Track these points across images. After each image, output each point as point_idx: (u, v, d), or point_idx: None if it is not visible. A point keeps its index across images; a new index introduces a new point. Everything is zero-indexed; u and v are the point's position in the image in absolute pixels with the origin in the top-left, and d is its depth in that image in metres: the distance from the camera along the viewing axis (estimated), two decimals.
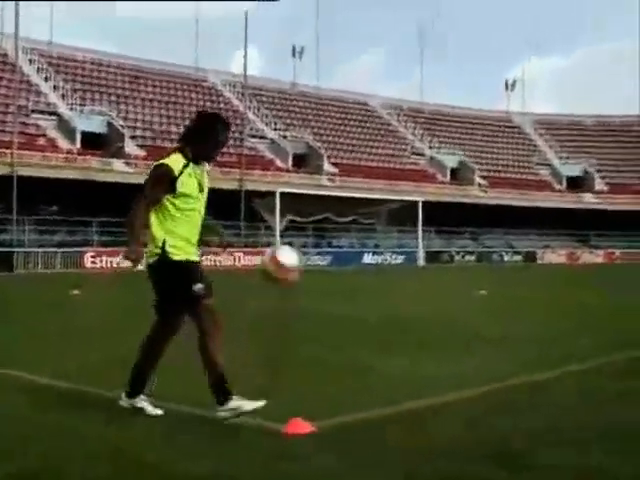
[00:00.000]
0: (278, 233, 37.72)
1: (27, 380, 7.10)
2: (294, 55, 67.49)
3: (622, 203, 65.94)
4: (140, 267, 5.65)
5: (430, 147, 65.04)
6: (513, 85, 78.74)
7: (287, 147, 53.40)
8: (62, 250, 37.46)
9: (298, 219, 39.49)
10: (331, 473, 4.35)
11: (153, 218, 5.47)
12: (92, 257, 37.92)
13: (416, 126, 67.43)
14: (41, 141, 44.32)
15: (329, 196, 42.11)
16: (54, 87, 49.31)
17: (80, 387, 6.70)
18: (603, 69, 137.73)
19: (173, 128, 51.57)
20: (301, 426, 5.20)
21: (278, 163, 52.50)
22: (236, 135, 51.32)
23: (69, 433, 5.20)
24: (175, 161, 5.48)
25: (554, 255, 60.68)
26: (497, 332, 11.11)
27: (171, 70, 58.84)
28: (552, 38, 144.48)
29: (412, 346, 9.67)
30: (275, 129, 56.69)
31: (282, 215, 38.09)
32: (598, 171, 70.42)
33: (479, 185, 62.20)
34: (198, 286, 5.41)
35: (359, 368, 7.88)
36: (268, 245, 40.41)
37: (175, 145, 5.74)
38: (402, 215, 43.24)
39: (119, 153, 45.27)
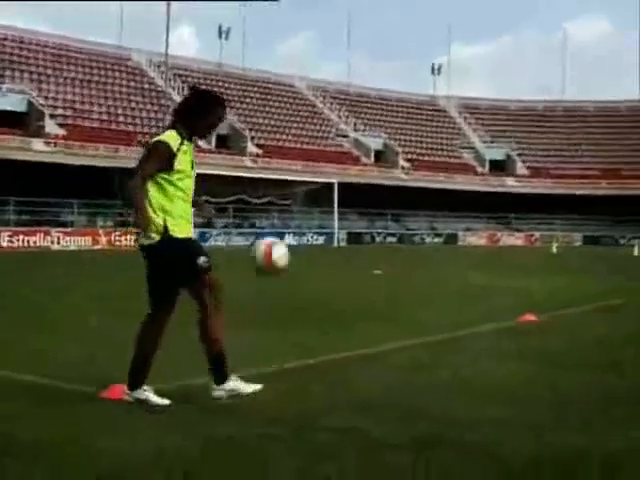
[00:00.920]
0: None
1: None
2: (220, 36, 67.49)
3: (542, 187, 67.42)
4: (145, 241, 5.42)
5: (355, 129, 65.59)
6: (439, 69, 79.59)
7: None
8: None
9: (212, 200, 39.48)
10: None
11: (148, 200, 5.33)
12: (9, 236, 37.68)
13: (341, 108, 67.92)
14: None
15: (244, 177, 42.31)
16: None
17: None
18: (528, 55, 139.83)
19: (95, 107, 51.38)
20: (118, 391, 5.58)
21: (201, 143, 52.52)
22: (159, 115, 51.32)
23: None
24: (172, 137, 5.42)
25: (475, 237, 61.91)
26: (356, 307, 11.72)
27: (95, 49, 58.32)
28: (479, 23, 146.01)
29: (267, 321, 10.19)
30: None
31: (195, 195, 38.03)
32: (520, 155, 71.81)
33: (403, 167, 62.97)
34: (202, 259, 5.37)
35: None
36: None
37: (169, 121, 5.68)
38: (320, 197, 43.66)
39: (39, 132, 44.94)
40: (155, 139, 5.49)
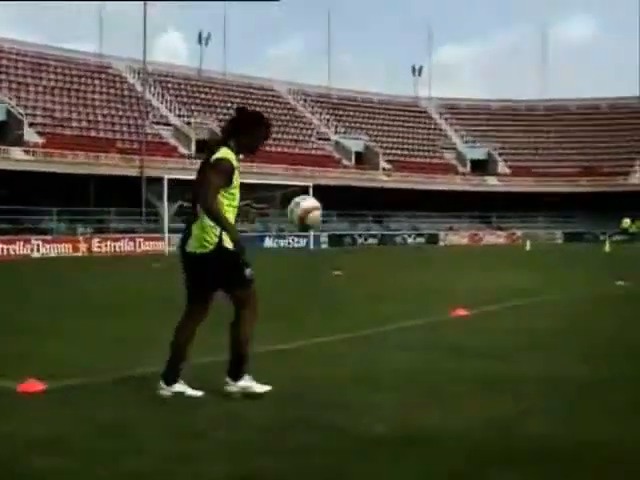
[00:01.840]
0: (166, 220, 38.12)
1: None
2: (200, 42, 67.93)
3: (523, 185, 67.97)
4: None
5: (336, 132, 66.08)
6: (420, 70, 79.98)
7: (190, 134, 53.84)
8: None
9: (189, 204, 39.86)
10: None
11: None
12: None
13: (322, 111, 68.45)
14: None
15: None
16: None
17: None
18: (510, 56, 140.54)
19: (74, 115, 51.69)
20: (33, 385, 6.05)
21: (181, 150, 52.96)
22: (139, 122, 51.66)
23: None
24: (230, 154, 5.81)
25: (456, 237, 62.34)
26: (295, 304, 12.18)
27: (74, 57, 58.63)
28: (460, 25, 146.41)
29: None
30: (179, 115, 57.09)
31: (173, 201, 38.49)
32: (501, 154, 72.38)
33: (384, 169, 63.44)
34: (249, 271, 5.81)
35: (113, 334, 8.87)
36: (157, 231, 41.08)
37: (216, 138, 6.13)
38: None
39: (18, 141, 45.26)
40: (217, 157, 5.79)
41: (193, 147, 53.04)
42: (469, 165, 70.92)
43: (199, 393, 5.82)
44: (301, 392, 5.97)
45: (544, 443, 4.55)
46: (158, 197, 40.61)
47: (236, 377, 5.82)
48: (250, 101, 64.58)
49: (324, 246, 50.48)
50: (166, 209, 38.50)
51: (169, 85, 60.93)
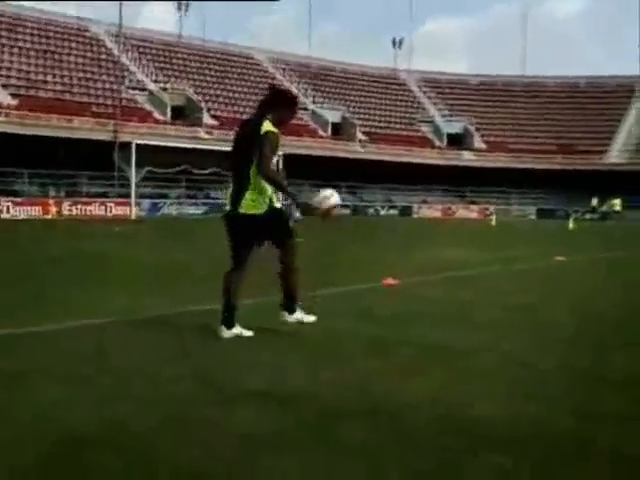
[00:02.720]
0: (134, 184, 38.34)
1: None
2: (179, 9, 67.78)
3: (498, 161, 68.35)
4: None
5: (314, 102, 66.17)
6: (400, 43, 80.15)
7: (166, 99, 53.85)
8: None
9: (158, 170, 40.04)
10: None
11: (258, 180, 6.63)
12: None
13: (300, 81, 68.48)
14: None
15: (188, 148, 42.77)
16: None
17: None
18: (492, 32, 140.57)
19: (49, 78, 51.57)
20: None
21: (156, 115, 52.98)
22: (114, 87, 51.64)
23: None
24: (273, 127, 6.64)
25: (430, 210, 62.86)
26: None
27: (52, 19, 58.42)
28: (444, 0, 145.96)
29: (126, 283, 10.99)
30: (156, 81, 57.04)
31: (140, 166, 38.67)
32: (477, 129, 72.73)
33: (360, 141, 63.69)
34: (292, 223, 7.10)
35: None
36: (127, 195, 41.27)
37: (249, 112, 7.24)
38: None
39: None
40: (266, 130, 6.59)
41: (169, 113, 53.07)
42: (445, 139, 71.23)
43: (251, 332, 6.90)
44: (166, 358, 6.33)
45: (393, 399, 4.93)
46: (128, 162, 40.82)
47: (291, 311, 7.06)
48: (229, 69, 64.74)
49: (297, 214, 50.71)
50: (134, 174, 38.68)
51: (147, 51, 60.80)
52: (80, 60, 55.51)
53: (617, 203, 55.79)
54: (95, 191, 44.94)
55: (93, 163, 44.41)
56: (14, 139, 42.03)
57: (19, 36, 54.48)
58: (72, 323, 7.37)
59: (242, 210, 6.74)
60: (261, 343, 6.68)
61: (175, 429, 4.28)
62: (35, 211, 39.94)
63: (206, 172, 41.75)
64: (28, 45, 53.95)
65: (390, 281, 11.54)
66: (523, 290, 11.62)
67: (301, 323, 7.06)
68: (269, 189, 6.72)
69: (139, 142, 38.04)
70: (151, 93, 54.92)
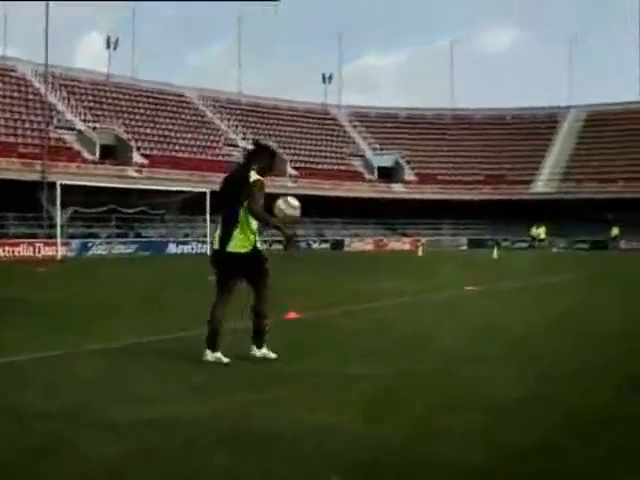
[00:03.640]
0: (59, 225, 38.24)
1: None
2: (108, 47, 67.76)
3: (429, 192, 69.27)
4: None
5: (244, 138, 66.55)
6: (330, 78, 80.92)
7: (95, 138, 53.77)
8: None
9: (85, 210, 40.02)
10: None
11: (245, 222, 7.68)
12: None
13: (231, 118, 68.86)
14: None
15: (116, 187, 42.85)
16: None
17: None
18: (420, 66, 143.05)
19: None
20: None
21: (85, 154, 52.81)
22: (42, 127, 51.43)
23: None
24: (259, 176, 7.72)
25: (361, 243, 63.40)
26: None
27: None
28: (371, 33, 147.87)
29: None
30: (84, 120, 56.90)
31: (65, 206, 38.59)
32: (408, 162, 73.71)
33: (290, 176, 64.13)
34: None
35: None
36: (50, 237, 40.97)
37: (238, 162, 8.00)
38: (195, 205, 44.23)
39: None
40: (255, 179, 7.69)
41: (97, 152, 52.96)
42: (376, 172, 71.92)
43: (228, 359, 7.68)
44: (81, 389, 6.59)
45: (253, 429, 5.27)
46: (53, 202, 40.60)
47: (259, 346, 7.93)
48: (160, 107, 64.85)
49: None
50: (59, 214, 38.56)
51: (75, 90, 60.61)
52: (7, 100, 55.14)
53: (542, 232, 56.56)
54: (22, 232, 44.58)
55: (21, 204, 44.12)
56: None
57: None
58: None
59: (230, 249, 7.71)
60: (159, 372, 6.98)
61: None
62: None
63: (136, 210, 41.84)
64: None
65: (292, 315, 11.88)
66: (419, 320, 12.08)
67: (267, 359, 7.83)
68: (254, 231, 7.73)
69: (64, 182, 38.00)
70: (80, 132, 54.69)
